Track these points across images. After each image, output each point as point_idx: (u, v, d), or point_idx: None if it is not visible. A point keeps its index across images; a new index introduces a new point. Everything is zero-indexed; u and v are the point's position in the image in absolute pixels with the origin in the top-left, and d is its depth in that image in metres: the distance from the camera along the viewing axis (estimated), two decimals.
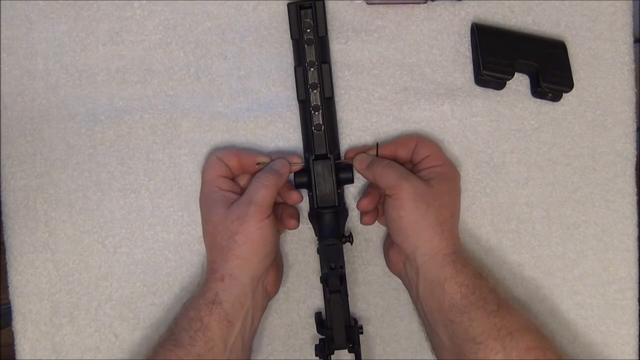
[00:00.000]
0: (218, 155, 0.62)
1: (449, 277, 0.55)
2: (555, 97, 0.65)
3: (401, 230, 0.57)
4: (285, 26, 0.64)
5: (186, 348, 0.54)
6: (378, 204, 0.63)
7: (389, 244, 0.63)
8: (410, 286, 0.60)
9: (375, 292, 0.65)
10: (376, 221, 0.64)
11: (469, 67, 0.66)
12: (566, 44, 0.65)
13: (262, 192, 0.58)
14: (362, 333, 0.62)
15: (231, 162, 0.62)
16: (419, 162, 0.61)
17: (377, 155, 0.62)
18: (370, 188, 0.63)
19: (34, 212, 0.64)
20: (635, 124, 0.66)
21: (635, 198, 0.65)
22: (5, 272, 0.64)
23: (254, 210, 0.57)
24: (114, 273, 0.64)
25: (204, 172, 0.62)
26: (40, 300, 0.63)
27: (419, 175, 0.59)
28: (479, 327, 0.53)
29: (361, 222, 0.64)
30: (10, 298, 0.64)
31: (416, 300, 0.59)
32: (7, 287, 0.64)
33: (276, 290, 0.63)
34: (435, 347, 0.59)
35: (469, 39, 0.66)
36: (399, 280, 0.62)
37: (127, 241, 0.64)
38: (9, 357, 0.67)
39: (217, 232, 0.58)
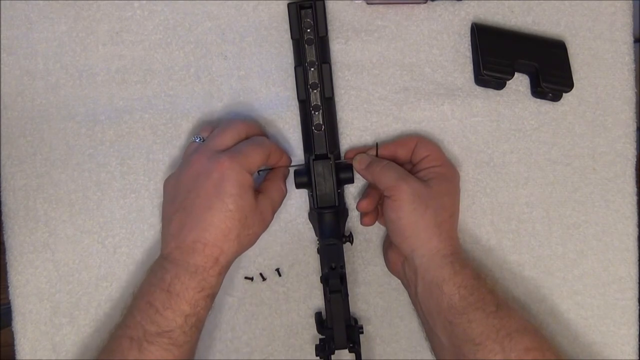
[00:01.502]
0: (275, 149, 0.60)
1: (448, 278, 0.55)
2: (555, 97, 0.65)
3: (400, 231, 0.57)
4: (285, 26, 0.64)
5: (182, 347, 0.54)
6: (378, 205, 0.63)
7: (388, 244, 0.63)
8: (409, 287, 0.60)
9: (375, 292, 0.65)
10: (376, 221, 0.64)
11: (469, 67, 0.66)
12: (566, 44, 0.65)
13: (281, 200, 0.61)
14: (362, 333, 0.62)
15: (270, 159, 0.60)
16: (418, 162, 0.61)
17: (376, 155, 0.62)
18: (370, 189, 0.63)
19: (34, 212, 0.64)
20: (635, 124, 0.66)
21: (635, 198, 0.65)
22: (5, 272, 0.63)
23: (272, 218, 0.60)
24: (114, 273, 0.64)
25: (258, 151, 0.58)
26: (40, 300, 0.63)
27: (418, 176, 0.59)
28: (477, 328, 0.53)
29: (361, 223, 0.64)
30: (10, 298, 0.64)
31: (415, 301, 0.59)
32: (7, 287, 0.64)
33: None
34: (434, 348, 0.59)
35: (469, 39, 0.66)
36: (399, 280, 0.62)
37: (127, 241, 0.64)
38: (9, 357, 0.67)
39: (246, 220, 0.56)
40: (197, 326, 0.55)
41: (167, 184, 0.60)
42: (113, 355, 0.53)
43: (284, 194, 0.62)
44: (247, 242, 0.57)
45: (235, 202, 0.55)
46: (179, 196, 0.57)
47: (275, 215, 0.62)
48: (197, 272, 0.55)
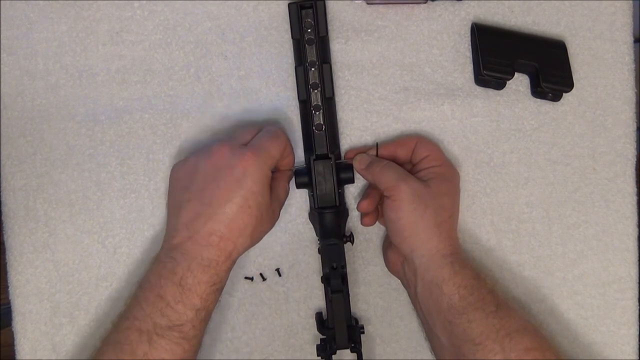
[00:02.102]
0: (288, 143, 0.60)
1: (447, 278, 0.55)
2: (555, 97, 0.65)
3: (399, 232, 0.57)
4: (286, 26, 0.64)
5: (192, 340, 0.54)
6: (378, 205, 0.63)
7: (388, 244, 0.63)
8: (409, 287, 0.60)
9: (375, 292, 0.65)
10: (376, 222, 0.64)
11: (469, 67, 0.66)
12: (566, 44, 0.65)
13: (285, 200, 0.62)
14: (363, 333, 0.62)
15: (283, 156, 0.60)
16: (418, 162, 0.61)
17: (376, 155, 0.62)
18: (370, 189, 0.63)
19: (34, 212, 0.64)
20: (635, 124, 0.66)
21: (635, 198, 0.65)
22: (5, 272, 0.63)
23: (279, 216, 0.60)
24: (114, 273, 0.64)
25: (277, 144, 0.58)
26: (40, 300, 0.63)
27: (418, 176, 0.59)
28: (477, 328, 0.53)
29: (362, 224, 0.64)
30: (10, 298, 0.64)
31: (415, 301, 0.59)
32: (7, 287, 0.64)
33: None
34: (434, 348, 0.59)
35: (469, 39, 0.66)
36: (399, 280, 0.62)
37: (127, 241, 0.64)
38: (9, 357, 0.67)
39: (262, 218, 0.56)
40: (206, 320, 0.56)
41: (179, 169, 0.59)
42: (121, 347, 0.53)
43: (287, 194, 0.62)
44: (257, 238, 0.58)
45: (255, 199, 0.55)
46: (195, 184, 0.56)
47: None
48: (211, 266, 0.54)
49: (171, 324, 0.53)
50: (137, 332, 0.53)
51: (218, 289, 0.56)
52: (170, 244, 0.56)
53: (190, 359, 0.55)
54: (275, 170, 0.62)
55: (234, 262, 0.57)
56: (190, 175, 0.57)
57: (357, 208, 0.62)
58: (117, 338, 0.53)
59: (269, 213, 0.58)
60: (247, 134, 0.59)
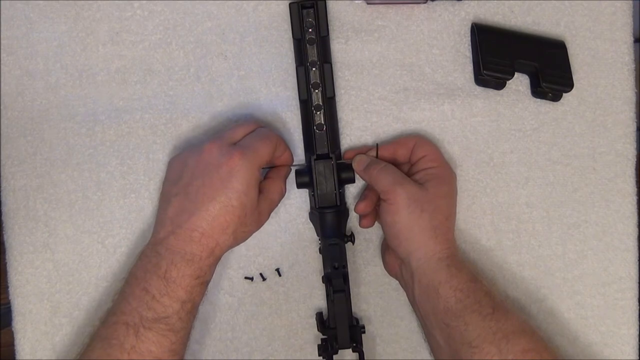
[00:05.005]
0: (280, 142, 0.60)
1: (444, 281, 0.55)
2: (555, 97, 0.65)
3: (395, 235, 0.57)
4: (286, 26, 0.64)
5: (179, 332, 0.54)
6: (376, 206, 0.63)
7: (386, 247, 0.63)
8: (407, 289, 0.60)
9: (375, 292, 0.65)
10: (375, 222, 0.64)
11: (469, 67, 0.66)
12: (566, 44, 0.65)
13: (280, 200, 0.61)
14: (364, 332, 0.62)
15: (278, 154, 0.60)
16: (415, 162, 0.61)
17: (377, 156, 0.62)
18: (368, 191, 0.63)
19: (34, 212, 0.64)
20: (635, 124, 0.66)
21: (635, 198, 0.65)
22: (5, 272, 0.63)
23: (268, 218, 0.60)
24: (114, 273, 0.64)
25: (267, 144, 0.58)
26: (40, 300, 0.63)
27: (415, 177, 0.59)
28: (474, 330, 0.53)
29: (360, 226, 0.63)
30: (10, 298, 0.64)
31: (413, 303, 0.59)
32: (7, 287, 0.64)
33: None
34: (432, 350, 0.59)
35: (469, 39, 0.66)
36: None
37: (127, 241, 0.64)
38: (9, 357, 0.67)
39: (245, 218, 0.56)
40: (193, 312, 0.56)
41: (172, 163, 0.60)
42: (109, 342, 0.53)
43: (283, 195, 0.62)
44: (241, 238, 0.58)
45: (239, 199, 0.55)
46: (183, 179, 0.57)
47: (275, 215, 0.62)
48: (194, 260, 0.55)
49: (157, 317, 0.53)
50: (124, 326, 0.53)
51: (203, 283, 0.56)
52: (156, 238, 0.56)
53: (178, 351, 0.55)
54: (271, 169, 0.62)
55: (217, 259, 0.57)
56: (180, 170, 0.58)
57: (355, 210, 0.62)
58: (105, 333, 0.54)
59: (255, 214, 0.57)
60: (238, 132, 0.59)
